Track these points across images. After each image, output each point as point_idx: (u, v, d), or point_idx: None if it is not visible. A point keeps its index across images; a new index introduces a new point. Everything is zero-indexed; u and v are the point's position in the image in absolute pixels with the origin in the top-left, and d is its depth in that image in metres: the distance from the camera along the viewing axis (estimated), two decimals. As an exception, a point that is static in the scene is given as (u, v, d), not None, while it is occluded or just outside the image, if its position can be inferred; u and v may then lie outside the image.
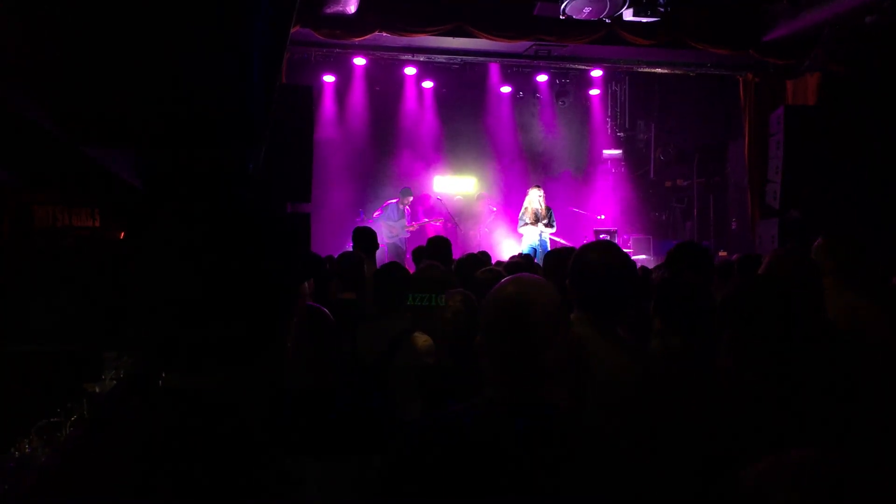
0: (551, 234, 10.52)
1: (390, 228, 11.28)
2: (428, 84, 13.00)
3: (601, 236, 11.40)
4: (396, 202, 11.46)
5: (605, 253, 2.25)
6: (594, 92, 13.85)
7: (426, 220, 12.08)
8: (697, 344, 2.55)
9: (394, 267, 3.60)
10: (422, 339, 3.14)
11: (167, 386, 0.89)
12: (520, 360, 1.52)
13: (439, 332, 3.01)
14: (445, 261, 4.95)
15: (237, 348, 0.92)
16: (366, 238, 5.41)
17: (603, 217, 13.24)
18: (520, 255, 6.45)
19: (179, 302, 0.89)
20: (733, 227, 12.02)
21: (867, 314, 2.99)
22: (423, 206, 12.59)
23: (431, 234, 11.40)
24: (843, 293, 3.10)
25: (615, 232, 12.22)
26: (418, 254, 5.94)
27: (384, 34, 9.12)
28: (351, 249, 5.80)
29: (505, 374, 1.54)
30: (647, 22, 8.10)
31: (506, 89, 13.35)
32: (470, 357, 1.77)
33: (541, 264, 8.22)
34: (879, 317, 3.00)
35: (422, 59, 11.07)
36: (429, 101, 13.21)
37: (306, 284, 3.80)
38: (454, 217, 12.27)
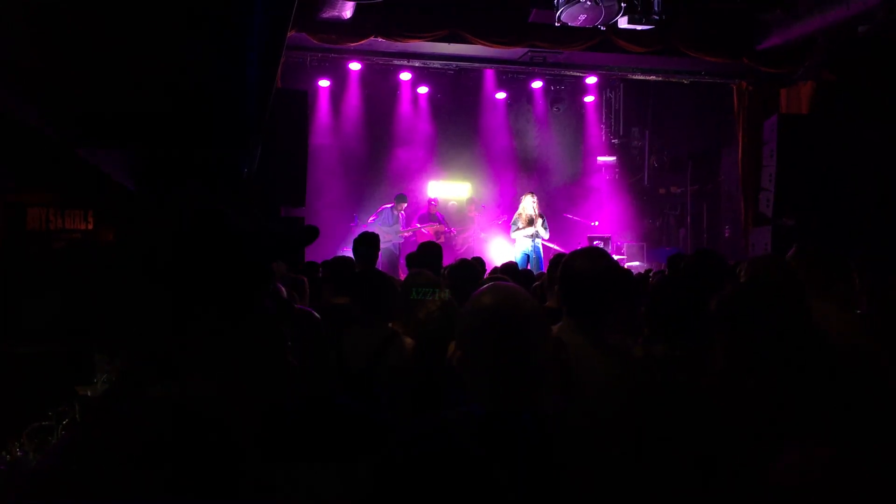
0: (544, 240, 10.52)
1: (384, 234, 11.25)
2: (423, 89, 13.00)
3: (595, 243, 11.43)
4: (391, 207, 11.44)
5: (592, 259, 2.25)
6: (589, 99, 13.89)
7: (419, 225, 12.04)
8: (683, 351, 2.55)
9: (375, 273, 3.58)
10: (409, 344, 3.11)
11: (154, 394, 0.89)
12: (510, 369, 1.49)
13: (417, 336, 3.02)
14: (435, 268, 4.92)
15: (221, 354, 0.91)
16: (366, 246, 5.38)
17: (597, 224, 13.23)
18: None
19: (162, 308, 0.89)
20: (726, 234, 12.05)
21: (843, 326, 2.93)
22: (419, 210, 12.56)
23: (424, 239, 11.37)
24: (820, 306, 3.07)
25: (609, 238, 12.24)
26: (411, 259, 5.91)
27: (379, 39, 9.15)
28: (345, 254, 5.78)
29: (494, 385, 1.50)
30: (641, 30, 8.13)
31: (500, 95, 13.38)
32: (445, 360, 1.76)
33: (534, 271, 8.28)
34: (856, 328, 2.95)
35: (417, 65, 11.11)
36: (424, 106, 13.20)
37: (277, 265, 3.75)
38: (449, 222, 12.25)
